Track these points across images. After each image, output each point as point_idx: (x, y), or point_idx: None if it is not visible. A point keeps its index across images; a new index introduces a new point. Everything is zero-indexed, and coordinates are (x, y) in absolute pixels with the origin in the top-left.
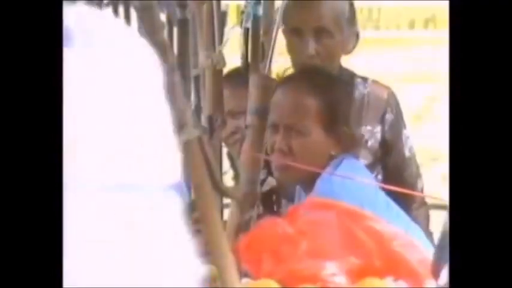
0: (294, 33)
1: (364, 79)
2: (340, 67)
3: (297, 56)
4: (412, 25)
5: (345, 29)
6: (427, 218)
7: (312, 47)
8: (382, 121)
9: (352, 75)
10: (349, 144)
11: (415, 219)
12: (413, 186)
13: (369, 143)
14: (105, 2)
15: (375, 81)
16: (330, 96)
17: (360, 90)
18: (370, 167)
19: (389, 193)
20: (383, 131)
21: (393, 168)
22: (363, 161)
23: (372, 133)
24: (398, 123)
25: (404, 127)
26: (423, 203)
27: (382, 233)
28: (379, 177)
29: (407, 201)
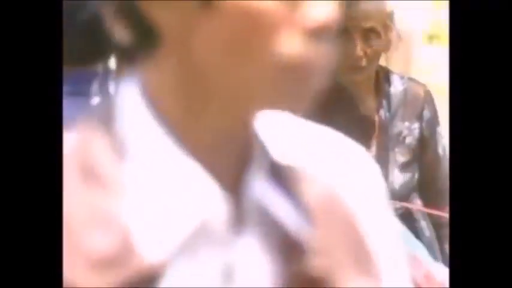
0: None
1: (401, 76)
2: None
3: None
4: None
5: (391, 29)
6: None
7: (359, 47)
8: (420, 118)
9: (387, 72)
10: None
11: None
12: (443, 186)
13: (407, 140)
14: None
15: (410, 79)
16: None
17: (396, 86)
18: (407, 165)
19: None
20: (421, 128)
21: (427, 167)
22: (401, 158)
23: (410, 129)
24: (434, 120)
25: (439, 125)
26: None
27: None
28: (416, 176)
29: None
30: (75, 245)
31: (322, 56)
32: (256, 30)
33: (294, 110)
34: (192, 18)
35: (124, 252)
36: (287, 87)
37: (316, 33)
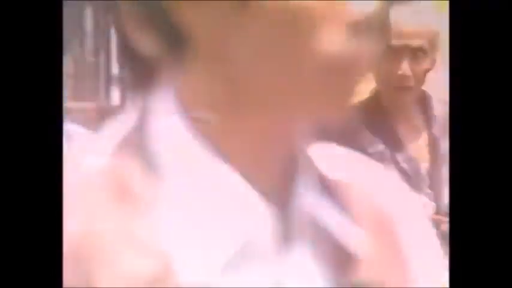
0: (386, 52)
1: (439, 100)
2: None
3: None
4: None
5: (437, 48)
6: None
7: (408, 67)
8: None
9: (428, 94)
10: None
11: None
12: None
13: None
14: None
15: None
16: None
17: (438, 108)
18: None
19: None
20: None
21: None
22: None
23: None
24: None
25: None
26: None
27: None
28: None
29: None
30: (112, 268)
31: (364, 51)
32: (295, 28)
33: (338, 110)
34: (225, 21)
35: (164, 275)
36: (330, 86)
37: (357, 28)
